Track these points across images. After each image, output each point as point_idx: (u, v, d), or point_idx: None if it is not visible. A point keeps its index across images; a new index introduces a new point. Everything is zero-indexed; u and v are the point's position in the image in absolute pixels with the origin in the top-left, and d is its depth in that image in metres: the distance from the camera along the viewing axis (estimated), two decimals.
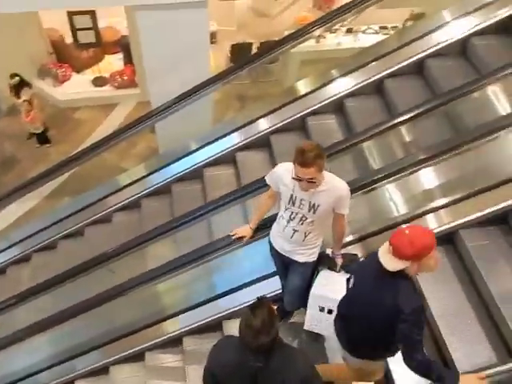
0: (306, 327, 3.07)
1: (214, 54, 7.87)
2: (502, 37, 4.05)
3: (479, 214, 3.14)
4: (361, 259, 3.15)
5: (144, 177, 5.11)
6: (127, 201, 5.06)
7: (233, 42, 7.75)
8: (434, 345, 2.99)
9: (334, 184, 2.67)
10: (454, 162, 3.20)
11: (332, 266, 3.01)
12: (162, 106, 4.70)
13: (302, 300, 3.05)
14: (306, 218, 2.75)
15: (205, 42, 5.15)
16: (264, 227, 3.12)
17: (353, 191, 2.81)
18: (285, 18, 8.72)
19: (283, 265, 3.12)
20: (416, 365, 2.27)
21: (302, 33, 4.62)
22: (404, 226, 2.48)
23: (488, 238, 3.14)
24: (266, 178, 2.95)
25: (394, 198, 3.55)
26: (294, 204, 2.74)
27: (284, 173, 2.73)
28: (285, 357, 2.20)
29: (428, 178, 3.46)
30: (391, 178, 3.19)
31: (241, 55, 7.20)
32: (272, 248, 3.08)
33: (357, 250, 3.33)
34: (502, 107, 3.63)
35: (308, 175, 2.51)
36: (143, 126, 4.87)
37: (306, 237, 2.84)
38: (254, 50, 7.57)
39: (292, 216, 2.78)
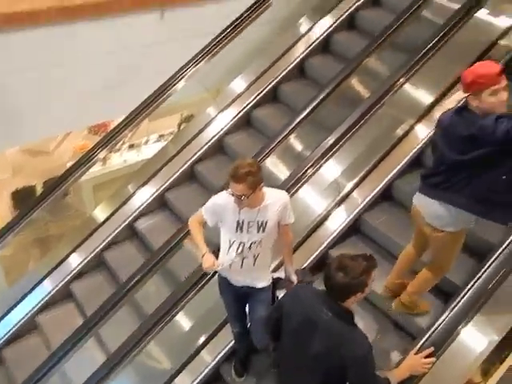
0: None
1: None
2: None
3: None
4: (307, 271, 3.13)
5: None
6: None
7: (12, 190, 7.18)
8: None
9: (275, 195, 2.68)
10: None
11: (288, 287, 2.86)
12: None
13: None
14: (255, 242, 2.66)
15: None
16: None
17: None
18: (63, 151, 8.53)
19: (239, 302, 2.94)
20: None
21: (85, 160, 4.58)
22: None
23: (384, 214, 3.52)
24: (202, 211, 2.75)
25: None
26: (242, 230, 2.63)
27: (226, 200, 2.62)
28: (347, 332, 2.15)
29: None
30: None
31: (25, 201, 6.69)
32: (225, 284, 2.87)
33: None
34: None
35: (238, 191, 2.47)
36: None
37: (255, 260, 2.72)
38: (40, 190, 7.14)
39: (240, 248, 2.67)
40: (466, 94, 2.41)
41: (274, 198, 2.66)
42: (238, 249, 2.68)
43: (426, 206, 2.64)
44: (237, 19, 4.73)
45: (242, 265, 2.72)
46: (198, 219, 2.82)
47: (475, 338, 2.64)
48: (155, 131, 7.60)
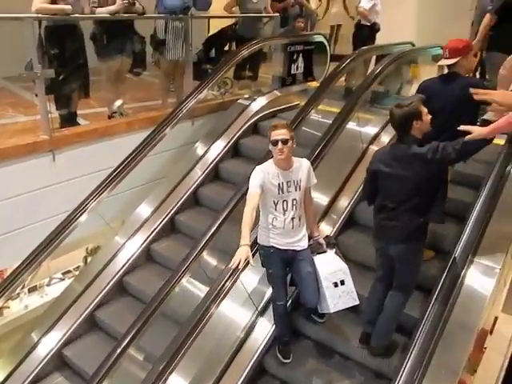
0: (332, 310, 3.19)
1: None
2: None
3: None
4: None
5: None
6: None
7: None
8: None
9: (300, 160, 3.17)
10: None
11: (320, 250, 3.29)
12: None
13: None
14: (296, 200, 3.09)
15: None
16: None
17: None
18: None
19: (285, 270, 3.27)
20: None
21: None
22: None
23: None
24: (253, 189, 2.99)
25: None
26: (283, 191, 3.06)
27: (267, 168, 3.07)
28: (419, 149, 2.86)
29: None
30: None
31: None
32: (272, 254, 3.17)
33: None
34: None
35: (282, 135, 2.97)
36: None
37: (300, 221, 3.15)
38: None
39: (285, 206, 3.07)
40: (455, 60, 3.38)
41: (299, 162, 3.16)
42: (283, 206, 3.07)
43: None
44: (133, 152, 4.86)
45: (293, 226, 3.11)
46: (251, 206, 2.95)
47: None
48: (59, 269, 7.19)
